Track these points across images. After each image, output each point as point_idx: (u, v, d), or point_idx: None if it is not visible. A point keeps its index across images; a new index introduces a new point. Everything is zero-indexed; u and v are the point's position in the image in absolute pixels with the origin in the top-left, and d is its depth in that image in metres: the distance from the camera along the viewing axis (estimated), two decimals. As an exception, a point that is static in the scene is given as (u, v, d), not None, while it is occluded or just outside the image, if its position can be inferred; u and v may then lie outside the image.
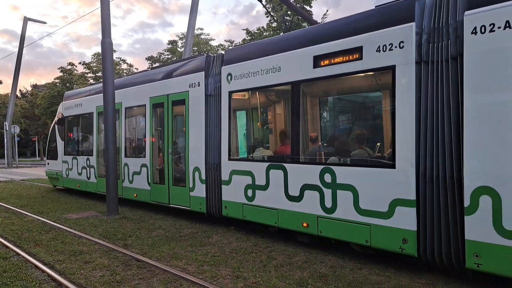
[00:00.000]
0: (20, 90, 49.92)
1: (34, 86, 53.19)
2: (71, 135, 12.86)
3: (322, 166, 5.68)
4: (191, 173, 7.91)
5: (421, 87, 4.74)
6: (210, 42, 37.20)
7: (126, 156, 9.98)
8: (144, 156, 9.27)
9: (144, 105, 9.24)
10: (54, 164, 13.71)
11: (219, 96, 7.31)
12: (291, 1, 27.37)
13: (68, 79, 39.61)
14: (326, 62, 5.59)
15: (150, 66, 37.45)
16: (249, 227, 7.19)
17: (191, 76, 7.94)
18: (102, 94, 10.60)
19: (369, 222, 5.17)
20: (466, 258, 4.36)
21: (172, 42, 37.65)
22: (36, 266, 5.46)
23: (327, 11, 48.87)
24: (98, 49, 47.94)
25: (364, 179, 5.25)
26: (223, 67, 7.26)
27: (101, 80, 10.16)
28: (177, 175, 8.50)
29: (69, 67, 40.65)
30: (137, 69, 40.07)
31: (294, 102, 6.10)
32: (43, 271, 5.26)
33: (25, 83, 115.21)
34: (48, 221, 8.35)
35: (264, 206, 6.50)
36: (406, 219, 4.83)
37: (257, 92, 7.02)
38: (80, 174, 11.99)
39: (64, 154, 12.97)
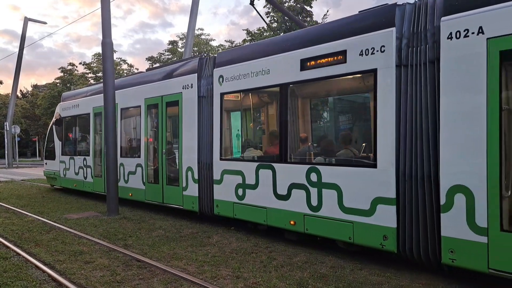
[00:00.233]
0: (20, 91, 50.38)
1: (35, 87, 53.68)
2: (69, 136, 13.16)
3: (309, 166, 5.93)
4: (184, 172, 8.17)
5: (401, 90, 4.98)
6: (210, 43, 37.54)
7: (121, 156, 10.24)
8: (139, 156, 9.55)
9: (140, 106, 9.52)
10: (52, 164, 14.04)
11: (211, 97, 7.57)
12: (292, 2, 27.71)
13: (69, 79, 40.06)
14: (313, 65, 5.84)
15: (150, 66, 37.88)
16: (245, 226, 7.33)
17: (185, 78, 8.21)
18: (99, 95, 10.90)
19: (352, 220, 5.41)
20: (442, 254, 4.61)
21: (173, 43, 37.98)
22: (37, 266, 5.52)
23: (327, 11, 49.17)
24: (98, 49, 48.30)
25: (347, 178, 5.49)
26: (215, 69, 7.52)
27: (101, 80, 10.41)
28: (171, 174, 8.77)
29: (69, 67, 41.19)
30: (137, 69, 40.43)
31: (282, 104, 6.35)
32: (44, 271, 5.31)
33: (26, 83, 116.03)
34: (49, 221, 8.44)
35: (254, 204, 6.76)
36: (386, 217, 5.07)
37: (247, 94, 7.29)
38: (77, 174, 12.28)
39: (62, 154, 13.28)
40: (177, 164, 8.51)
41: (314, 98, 7.07)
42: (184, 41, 25.49)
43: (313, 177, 5.84)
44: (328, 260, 5.61)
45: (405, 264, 5.27)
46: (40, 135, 46.97)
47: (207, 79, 7.76)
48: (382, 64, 5.09)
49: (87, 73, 40.48)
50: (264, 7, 28.76)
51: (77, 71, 41.23)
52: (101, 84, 11.74)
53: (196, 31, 31.93)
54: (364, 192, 5.28)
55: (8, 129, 30.81)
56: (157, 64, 36.72)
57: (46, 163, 14.75)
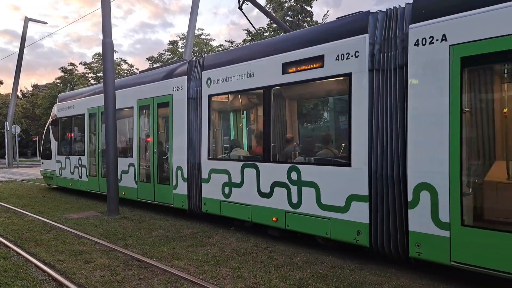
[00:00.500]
0: (21, 90, 50.91)
1: (35, 86, 54.24)
2: (64, 136, 13.61)
3: (289, 165, 6.30)
4: (174, 172, 8.56)
5: (373, 93, 5.33)
6: (210, 43, 37.95)
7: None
8: (132, 156, 9.95)
9: (132, 107, 9.91)
10: (48, 163, 14.51)
11: (200, 99, 7.95)
12: (292, 2, 28.03)
13: (69, 79, 40.60)
14: (293, 69, 6.20)
15: (150, 66, 38.34)
16: (242, 225, 7.50)
17: (175, 80, 8.60)
18: (93, 96, 11.30)
19: (329, 216, 5.77)
20: (409, 248, 4.96)
21: (173, 43, 38.40)
22: (37, 266, 5.57)
23: (327, 11, 49.48)
24: (99, 49, 48.75)
25: (324, 177, 5.85)
26: (203, 72, 7.90)
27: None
28: (162, 174, 9.16)
29: (70, 67, 41.78)
30: (137, 69, 40.87)
31: (266, 106, 6.71)
32: (44, 271, 5.36)
33: (26, 83, 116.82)
34: (49, 221, 8.53)
35: (239, 202, 7.13)
36: (360, 213, 5.43)
37: (234, 96, 7.66)
38: (72, 173, 12.72)
39: (58, 154, 13.74)
40: (168, 163, 8.90)
41: (296, 101, 7.43)
42: (184, 41, 25.91)
43: (294, 175, 6.21)
44: (329, 260, 5.71)
45: (405, 265, 5.36)
46: (41, 135, 47.27)
47: (196, 81, 8.15)
48: (356, 68, 5.45)
49: (88, 73, 41.04)
50: (265, 7, 29.19)
51: (78, 71, 41.84)
52: (96, 86, 12.27)
53: (196, 31, 32.38)
54: (340, 190, 5.63)
55: (8, 129, 31.10)
56: (157, 64, 37.22)
57: (42, 163, 15.23)
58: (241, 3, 8.52)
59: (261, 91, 6.76)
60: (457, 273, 4.79)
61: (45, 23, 54.87)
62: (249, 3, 8.30)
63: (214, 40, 42.02)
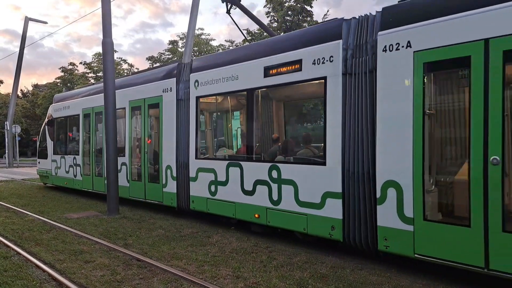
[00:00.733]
0: (21, 90, 51.46)
1: (35, 86, 54.85)
2: (60, 136, 14.11)
3: (270, 164, 6.71)
4: (164, 171, 9.00)
5: (346, 96, 5.73)
6: (210, 42, 38.45)
7: None
8: (124, 155, 10.39)
9: (124, 108, 10.36)
10: (44, 163, 15.05)
11: (188, 100, 8.38)
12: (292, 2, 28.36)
13: (69, 79, 41.22)
14: (274, 72, 6.61)
15: (151, 66, 38.85)
16: (245, 226, 7.62)
17: (165, 82, 9.05)
18: (88, 97, 11.77)
19: (306, 212, 6.17)
20: (378, 242, 5.35)
21: (173, 42, 38.95)
22: (37, 266, 5.63)
23: (327, 11, 49.76)
24: (99, 49, 49.30)
25: (302, 175, 6.26)
26: (191, 74, 8.33)
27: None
28: (152, 172, 9.59)
29: (70, 67, 42.42)
30: (137, 68, 41.42)
31: (249, 107, 7.13)
32: (44, 271, 5.42)
33: (26, 83, 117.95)
34: (49, 221, 8.63)
35: (224, 200, 7.54)
36: (334, 209, 5.83)
37: (220, 98, 8.09)
38: (67, 172, 13.23)
39: (53, 154, 14.26)
40: (158, 162, 9.34)
41: (277, 102, 7.85)
42: (184, 41, 26.38)
43: (274, 174, 6.61)
44: (329, 260, 5.81)
45: (405, 265, 5.48)
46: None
47: (185, 83, 8.59)
48: (331, 72, 5.85)
49: (88, 73, 41.68)
50: (265, 7, 29.61)
51: (78, 70, 42.48)
52: (90, 87, 12.78)
53: (196, 31, 32.84)
54: (316, 188, 6.03)
55: (8, 128, 31.48)
56: (157, 64, 37.74)
57: (39, 162, 15.79)
58: (228, 7, 8.95)
59: (245, 93, 7.18)
60: (457, 273, 4.91)
61: (45, 22, 55.38)
62: (237, 8, 8.69)
63: (214, 40, 42.62)
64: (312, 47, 6.11)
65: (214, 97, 8.05)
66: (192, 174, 8.24)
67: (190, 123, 8.31)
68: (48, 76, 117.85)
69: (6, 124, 31.72)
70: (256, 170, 6.92)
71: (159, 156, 9.26)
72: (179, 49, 37.40)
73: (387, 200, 5.23)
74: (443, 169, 5.18)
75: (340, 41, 5.77)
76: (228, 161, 7.46)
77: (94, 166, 11.78)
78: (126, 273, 5.27)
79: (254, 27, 31.30)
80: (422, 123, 4.90)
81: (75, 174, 12.79)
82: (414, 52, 4.97)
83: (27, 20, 31.76)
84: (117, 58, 41.81)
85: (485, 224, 4.39)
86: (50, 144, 14.56)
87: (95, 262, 5.71)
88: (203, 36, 37.98)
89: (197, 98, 8.15)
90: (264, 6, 29.52)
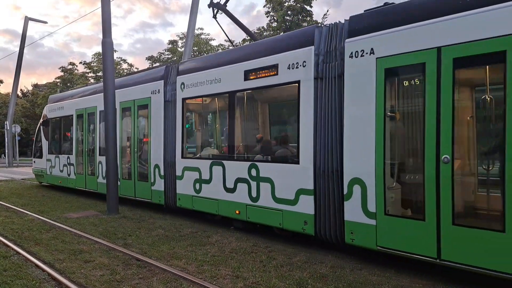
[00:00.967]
0: (21, 90, 51.96)
1: (35, 86, 55.49)
2: (54, 136, 14.71)
3: (250, 163, 7.20)
4: (152, 169, 9.53)
5: (317, 99, 6.21)
6: (210, 42, 38.93)
7: (100, 154, 11.63)
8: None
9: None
10: (39, 162, 15.65)
11: (175, 102, 8.90)
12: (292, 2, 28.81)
13: (69, 78, 41.83)
14: (253, 76, 7.10)
15: (150, 66, 39.43)
16: (249, 227, 7.70)
17: (153, 84, 9.57)
18: (81, 98, 12.37)
19: (282, 208, 6.65)
20: (345, 235, 5.83)
21: (173, 42, 39.41)
22: (36, 265, 5.70)
23: (327, 11, 50.12)
24: (99, 48, 49.84)
25: (278, 173, 6.74)
26: (178, 77, 8.84)
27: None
28: (142, 171, 10.10)
29: (70, 66, 43.00)
30: (137, 68, 42.00)
31: (231, 109, 7.63)
32: (43, 270, 5.49)
33: (26, 83, 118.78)
34: (49, 220, 8.76)
35: (208, 197, 8.04)
36: (306, 205, 6.30)
37: (204, 99, 8.60)
38: (61, 171, 13.82)
39: (48, 153, 14.86)
40: (147, 162, 9.85)
41: (262, 104, 8.33)
42: (184, 40, 26.86)
43: (253, 172, 7.10)
44: (328, 260, 5.91)
45: (404, 265, 5.56)
46: (41, 135, 48.77)
47: (172, 85, 9.11)
48: (304, 76, 6.33)
49: (88, 73, 42.27)
50: (264, 6, 30.07)
51: (77, 70, 43.08)
52: (83, 88, 13.42)
53: (196, 31, 33.26)
54: (290, 185, 6.51)
55: (8, 128, 31.96)
56: (157, 64, 38.33)
57: (34, 161, 16.38)
58: (215, 13, 9.45)
59: (227, 95, 7.68)
60: (457, 273, 5.00)
61: (45, 22, 56.24)
62: (223, 13, 9.19)
63: (214, 39, 42.93)
64: (287, 52, 6.59)
65: (199, 98, 8.56)
66: (178, 172, 8.75)
67: (176, 123, 8.83)
68: (48, 76, 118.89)
69: (6, 124, 32.18)
70: (237, 168, 7.41)
71: (147, 155, 9.77)
72: (179, 49, 37.85)
73: (353, 197, 5.71)
74: (403, 167, 5.64)
75: (312, 47, 6.24)
76: (212, 160, 7.97)
77: (86, 166, 12.33)
78: (126, 273, 5.36)
79: (254, 27, 31.79)
80: (384, 124, 5.38)
81: (69, 173, 13.38)
82: (376, 58, 5.45)
83: (27, 19, 32.24)
84: (117, 58, 42.27)
85: (438, 218, 4.86)
86: (45, 143, 15.16)
87: (95, 262, 5.82)
88: (202, 36, 38.41)
89: (183, 99, 8.66)
90: (264, 6, 29.88)
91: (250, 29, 31.78)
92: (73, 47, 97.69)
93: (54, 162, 14.34)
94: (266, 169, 6.92)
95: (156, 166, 9.40)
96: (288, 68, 6.53)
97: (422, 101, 5.06)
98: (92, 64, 41.67)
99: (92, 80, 40.61)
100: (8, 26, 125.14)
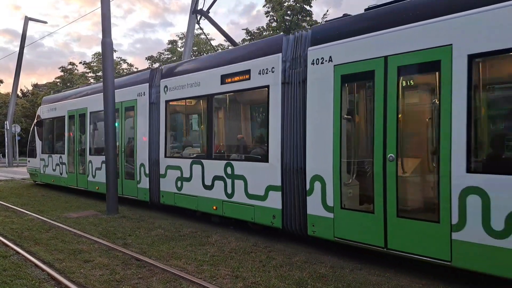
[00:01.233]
0: (21, 90, 52.60)
1: (35, 86, 56.33)
2: (47, 136, 15.50)
3: (226, 161, 7.87)
4: (138, 168, 10.24)
5: (284, 103, 6.86)
6: (209, 42, 39.65)
7: (90, 154, 12.42)
8: (104, 154, 11.61)
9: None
10: (33, 161, 16.50)
11: (159, 104, 9.61)
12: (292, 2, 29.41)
13: (69, 78, 42.78)
14: (229, 80, 7.78)
15: (150, 66, 40.24)
16: (246, 226, 7.95)
17: (139, 87, 10.30)
18: (73, 100, 13.17)
19: (254, 204, 7.32)
20: (308, 228, 6.49)
21: (172, 42, 40.24)
22: (36, 265, 5.79)
23: (327, 11, 50.58)
24: (98, 48, 50.68)
25: (250, 171, 7.40)
26: (161, 80, 9.55)
27: (97, 81, 12.34)
28: (128, 170, 10.80)
29: (69, 66, 44.01)
30: (136, 68, 42.85)
31: (209, 111, 8.32)
32: (43, 270, 5.57)
33: (26, 83, 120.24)
34: (48, 220, 8.92)
35: (189, 194, 8.72)
36: (275, 201, 6.96)
37: (186, 102, 9.30)
38: (54, 170, 14.62)
39: (42, 153, 15.68)
40: (133, 161, 10.54)
41: (234, 106, 9.00)
42: (184, 40, 27.50)
43: (229, 170, 7.77)
44: (328, 260, 6.05)
45: (405, 265, 5.66)
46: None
47: (156, 88, 9.82)
48: (272, 81, 6.99)
49: (87, 73, 43.23)
50: (264, 6, 30.72)
51: (77, 70, 44.06)
52: (74, 90, 14.31)
53: (196, 31, 34.05)
54: (261, 182, 7.17)
55: (8, 128, 32.65)
56: (157, 64, 39.15)
57: (29, 161, 17.25)
58: (198, 18, 10.17)
59: (206, 98, 8.37)
60: (457, 273, 5.15)
61: (45, 22, 57.11)
62: (206, 19, 9.90)
63: (213, 39, 43.69)
64: (259, 59, 7.25)
65: (181, 101, 9.26)
66: (162, 171, 9.46)
67: (160, 124, 9.54)
68: (48, 76, 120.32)
69: (6, 124, 32.83)
70: (214, 167, 8.09)
71: (134, 155, 10.47)
72: (179, 49, 38.63)
73: (314, 192, 6.36)
74: (356, 165, 6.29)
75: (280, 54, 6.90)
76: (192, 159, 8.66)
77: (77, 165, 13.11)
78: (125, 273, 5.46)
79: (253, 27, 32.35)
80: (340, 126, 6.03)
81: (61, 172, 14.19)
82: (334, 65, 6.10)
83: (27, 19, 32.85)
84: (116, 57, 43.12)
85: (384, 211, 5.51)
86: (38, 143, 15.99)
87: (94, 262, 5.93)
88: (202, 36, 39.15)
89: (166, 102, 9.37)
90: (264, 6, 30.48)
91: (250, 29, 32.42)
92: (73, 47, 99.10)
93: (47, 161, 15.15)
94: (240, 167, 7.59)
95: (142, 165, 10.12)
96: (259, 73, 7.20)
97: (372, 105, 5.71)
98: (92, 64, 42.61)
99: (92, 80, 41.48)
100: (8, 26, 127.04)
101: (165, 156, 9.40)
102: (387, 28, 5.53)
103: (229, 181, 7.77)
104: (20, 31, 33.58)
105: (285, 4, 29.36)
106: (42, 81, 72.08)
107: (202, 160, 8.39)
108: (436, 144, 5.10)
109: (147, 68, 11.24)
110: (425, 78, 5.70)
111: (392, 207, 5.44)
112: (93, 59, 43.37)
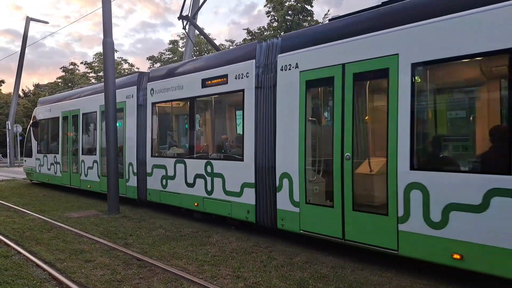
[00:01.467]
0: (22, 90, 53.29)
1: (37, 86, 57.15)
2: (43, 136, 16.28)
3: (206, 160, 8.56)
4: (127, 167, 10.96)
5: (258, 106, 7.52)
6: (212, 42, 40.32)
7: (83, 154, 13.15)
8: (95, 154, 12.40)
9: (96, 112, 12.37)
10: (29, 161, 17.31)
11: (146, 106, 10.32)
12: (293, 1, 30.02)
13: (70, 78, 43.69)
14: (209, 84, 8.45)
15: (151, 66, 41.08)
16: (251, 227, 8.16)
17: (128, 89, 11.01)
18: (67, 101, 13.95)
19: (230, 200, 7.99)
20: (277, 222, 7.15)
21: (173, 42, 40.93)
22: (37, 265, 5.87)
23: (328, 10, 51.12)
24: (100, 48, 51.46)
25: (228, 169, 8.07)
26: (148, 83, 10.26)
27: (70, 89, 13.10)
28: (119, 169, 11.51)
29: (71, 66, 44.93)
30: (138, 68, 43.71)
31: (191, 113, 9.02)
32: (44, 270, 5.65)
33: (28, 83, 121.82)
34: (49, 220, 9.08)
35: (173, 191, 9.41)
36: (249, 197, 7.61)
37: (170, 104, 9.99)
38: (49, 169, 15.41)
39: (37, 153, 16.49)
40: (123, 160, 11.21)
41: (214, 109, 9.62)
42: (185, 40, 28.08)
43: (209, 168, 8.46)
44: (329, 260, 6.14)
45: (405, 265, 5.74)
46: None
47: (143, 90, 10.53)
48: (247, 86, 7.65)
49: (89, 73, 44.17)
50: (265, 6, 31.35)
51: (79, 70, 45.02)
52: (68, 92, 15.10)
53: (195, 31, 34.76)
54: (237, 179, 7.83)
55: (10, 128, 33.25)
56: (158, 64, 39.96)
57: (25, 160, 18.09)
58: (184, 24, 10.88)
59: (188, 101, 9.08)
60: (457, 273, 5.24)
61: (47, 22, 57.99)
62: (191, 25, 10.61)
63: (215, 39, 44.36)
64: (235, 64, 7.91)
65: (166, 103, 9.97)
66: (148, 170, 10.17)
67: (147, 125, 10.26)
68: (50, 76, 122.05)
69: (8, 124, 33.47)
70: (196, 165, 8.78)
71: (123, 154, 11.17)
72: (180, 49, 39.34)
73: (282, 189, 7.02)
74: (319, 163, 6.93)
75: (254, 60, 7.56)
76: (176, 159, 9.36)
77: (71, 164, 13.87)
78: (126, 273, 5.55)
79: (254, 27, 32.91)
80: (305, 128, 6.69)
81: (55, 171, 14.98)
82: (300, 71, 6.76)
83: (28, 20, 33.21)
84: (117, 57, 43.79)
85: (342, 205, 6.16)
86: (34, 143, 16.80)
87: (95, 262, 6.03)
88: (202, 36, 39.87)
89: (153, 104, 10.09)
90: (265, 6, 31.06)
91: (251, 29, 33.02)
92: (74, 47, 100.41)
93: (43, 161, 15.95)
94: (219, 165, 8.27)
95: (130, 164, 10.84)
96: (236, 78, 7.88)
97: (332, 109, 6.36)
98: (93, 64, 43.47)
99: (93, 80, 42.35)
100: (9, 26, 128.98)
101: (151, 156, 10.11)
102: (345, 38, 6.17)
103: (209, 179, 8.45)
104: (22, 31, 34.08)
105: (286, 4, 29.88)
106: (44, 81, 73.41)
107: (185, 159, 9.09)
108: (385, 144, 5.74)
109: (135, 72, 12.00)
110: (377, 84, 6.33)
111: (349, 202, 6.08)
112: (94, 59, 44.22)
